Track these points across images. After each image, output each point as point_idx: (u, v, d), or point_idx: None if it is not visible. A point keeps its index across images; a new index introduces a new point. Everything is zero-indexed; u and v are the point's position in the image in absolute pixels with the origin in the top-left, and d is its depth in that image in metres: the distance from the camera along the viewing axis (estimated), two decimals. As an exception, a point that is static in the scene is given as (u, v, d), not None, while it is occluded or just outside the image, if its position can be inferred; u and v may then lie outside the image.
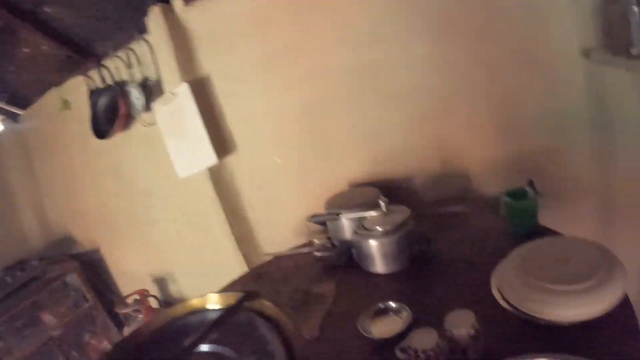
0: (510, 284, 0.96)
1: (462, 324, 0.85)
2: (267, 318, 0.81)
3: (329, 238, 1.53)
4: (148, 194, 2.22)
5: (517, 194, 1.27)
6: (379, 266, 1.30)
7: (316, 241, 1.55)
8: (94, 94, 2.07)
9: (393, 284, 1.25)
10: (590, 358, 0.73)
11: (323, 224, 1.53)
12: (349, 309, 1.17)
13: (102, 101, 2.07)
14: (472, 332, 0.84)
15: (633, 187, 1.36)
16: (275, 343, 0.75)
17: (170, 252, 2.34)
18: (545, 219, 1.25)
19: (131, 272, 2.57)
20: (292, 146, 1.81)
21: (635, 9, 1.12)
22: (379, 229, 1.29)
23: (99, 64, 2.00)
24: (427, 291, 1.17)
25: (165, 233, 2.28)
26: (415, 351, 0.83)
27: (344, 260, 1.40)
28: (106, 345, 2.49)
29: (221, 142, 1.87)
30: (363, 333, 1.03)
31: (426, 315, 1.03)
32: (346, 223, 1.45)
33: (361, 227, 1.33)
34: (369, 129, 1.66)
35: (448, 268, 1.24)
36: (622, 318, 0.83)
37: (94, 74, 2.04)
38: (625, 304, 0.84)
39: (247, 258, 1.95)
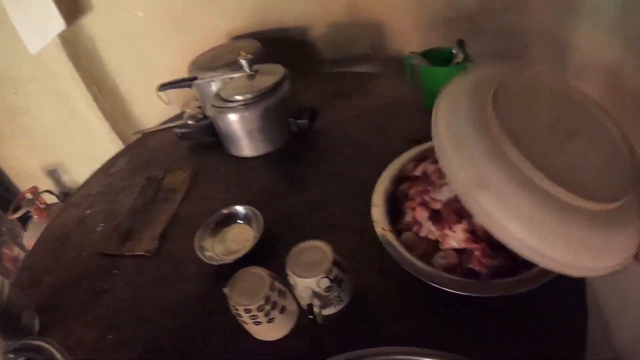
0: (472, 151, 0.46)
1: (310, 267, 0.54)
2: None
3: (200, 108, 1.16)
4: (11, 79, 1.76)
5: (438, 56, 0.92)
6: (243, 148, 0.97)
7: (188, 112, 1.18)
8: None
9: (259, 174, 0.93)
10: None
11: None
12: (199, 210, 0.87)
13: None
14: (324, 284, 0.53)
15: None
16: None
17: (54, 141, 1.98)
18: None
19: (24, 170, 2.23)
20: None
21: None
22: (239, 98, 0.91)
23: None
24: (297, 189, 0.86)
25: (45, 121, 1.89)
26: (235, 307, 0.54)
27: (209, 138, 1.04)
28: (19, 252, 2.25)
29: (71, 1, 1.40)
30: (198, 254, 0.74)
31: (288, 228, 0.75)
32: (213, 88, 1.06)
33: (218, 96, 0.96)
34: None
35: (335, 156, 0.91)
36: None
37: None
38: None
39: (123, 137, 1.59)
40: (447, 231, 0.57)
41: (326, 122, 0.99)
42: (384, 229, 0.60)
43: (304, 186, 0.85)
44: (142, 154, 1.18)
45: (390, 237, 0.58)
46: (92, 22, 1.48)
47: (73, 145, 1.92)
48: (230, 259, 0.70)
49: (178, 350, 0.63)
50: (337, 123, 0.99)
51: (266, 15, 1.27)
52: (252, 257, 0.69)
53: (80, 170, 2.07)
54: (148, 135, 1.28)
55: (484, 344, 0.52)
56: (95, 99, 1.56)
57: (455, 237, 0.56)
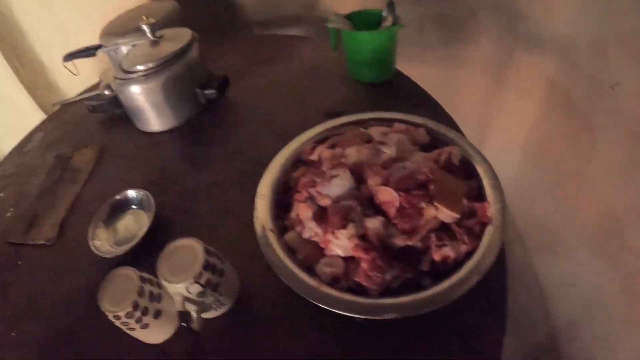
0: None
1: (181, 272, 0.48)
2: None
3: None
4: None
5: (366, 19, 0.84)
6: (149, 122, 0.90)
7: (103, 80, 1.09)
8: None
9: (162, 151, 0.86)
10: None
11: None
12: (101, 193, 0.80)
13: None
14: (196, 289, 0.49)
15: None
16: None
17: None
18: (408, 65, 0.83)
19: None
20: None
21: None
22: (140, 68, 0.83)
23: None
24: (196, 169, 0.80)
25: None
26: (106, 312, 0.49)
27: (120, 110, 0.96)
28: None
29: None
30: (90, 244, 0.68)
31: (176, 216, 0.69)
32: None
33: (120, 67, 0.87)
34: None
35: (242, 131, 0.85)
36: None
37: None
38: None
39: (45, 108, 1.47)
40: (330, 236, 0.50)
41: (241, 92, 0.92)
42: (264, 227, 0.53)
43: (202, 165, 0.79)
44: (57, 128, 1.09)
45: (271, 237, 0.52)
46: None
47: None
48: (121, 250, 0.65)
49: (71, 350, 0.59)
50: (252, 93, 0.92)
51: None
52: (144, 248, 0.64)
53: (3, 145, 1.92)
54: (66, 106, 1.18)
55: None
56: (16, 71, 1.41)
57: (339, 244, 0.50)
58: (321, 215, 0.52)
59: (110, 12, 1.13)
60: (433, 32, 1.10)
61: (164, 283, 0.48)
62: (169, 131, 0.89)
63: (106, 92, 1.02)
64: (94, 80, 1.19)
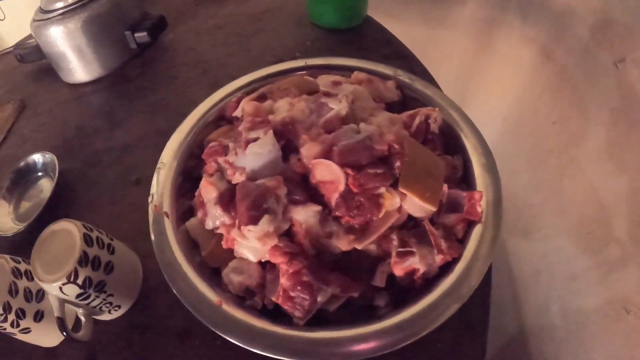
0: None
1: (57, 266, 0.38)
2: None
3: None
4: None
5: None
6: (73, 71, 0.77)
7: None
8: None
9: (81, 106, 0.74)
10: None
11: None
12: (15, 156, 0.67)
13: None
14: (71, 292, 0.38)
15: None
16: None
17: None
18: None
19: None
20: None
21: None
22: (59, 5, 0.69)
23: None
24: (110, 127, 0.67)
25: None
26: None
27: (47, 61, 0.82)
28: None
29: None
30: None
31: (80, 184, 0.58)
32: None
33: (40, 8, 0.72)
34: None
35: (172, 81, 0.72)
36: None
37: None
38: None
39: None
40: (234, 232, 0.35)
41: (178, 36, 0.79)
42: (156, 207, 0.40)
43: (118, 123, 0.67)
44: None
45: (166, 224, 0.39)
46: None
47: None
48: (19, 227, 0.54)
49: None
50: (192, 37, 0.79)
51: None
52: (46, 221, 0.54)
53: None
54: (3, 56, 1.03)
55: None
56: None
57: (247, 246, 0.36)
58: (230, 198, 0.37)
59: None
60: None
61: (37, 281, 0.37)
62: (94, 82, 0.76)
63: (16, 52, 0.88)
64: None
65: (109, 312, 0.42)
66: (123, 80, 0.74)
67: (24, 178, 0.61)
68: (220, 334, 0.33)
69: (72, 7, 0.70)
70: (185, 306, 0.35)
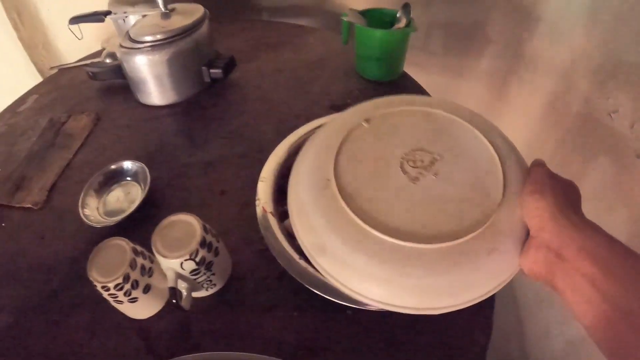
0: (311, 218, 0.42)
1: (176, 247, 0.47)
2: None
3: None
4: None
5: (380, 17, 0.84)
6: (150, 95, 0.88)
7: (107, 48, 1.07)
8: None
9: (161, 125, 0.85)
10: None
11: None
12: (95, 161, 0.79)
13: None
14: (190, 266, 0.48)
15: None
16: None
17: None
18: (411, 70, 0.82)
19: None
20: None
21: None
22: (148, 39, 0.81)
23: None
24: (193, 146, 0.78)
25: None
26: (94, 283, 0.48)
27: (121, 80, 0.95)
28: None
29: None
30: (79, 212, 0.66)
31: (170, 191, 0.68)
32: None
33: (127, 36, 0.85)
34: None
35: (242, 113, 0.84)
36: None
37: None
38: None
39: (42, 69, 1.43)
40: None
41: (244, 74, 0.92)
42: (264, 209, 0.52)
43: (200, 143, 0.78)
44: (52, 92, 1.06)
45: (271, 220, 0.51)
46: None
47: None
48: (111, 221, 0.64)
49: (47, 318, 0.57)
50: (256, 77, 0.92)
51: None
52: (135, 220, 0.63)
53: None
54: (64, 71, 1.16)
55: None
56: (15, 26, 1.37)
57: None
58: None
59: None
60: (439, 39, 1.10)
61: (158, 257, 0.47)
62: (169, 106, 0.88)
63: (107, 60, 1.00)
64: (93, 46, 1.16)
65: (206, 289, 0.52)
66: (197, 108, 0.86)
67: (112, 180, 0.71)
68: (317, 292, 0.44)
69: (159, 42, 0.82)
70: (269, 287, 0.48)
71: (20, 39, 1.42)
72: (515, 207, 0.38)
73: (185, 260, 0.46)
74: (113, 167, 0.71)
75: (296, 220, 0.43)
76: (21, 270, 0.64)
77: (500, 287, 0.38)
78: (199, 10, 0.86)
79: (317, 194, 0.42)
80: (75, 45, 1.35)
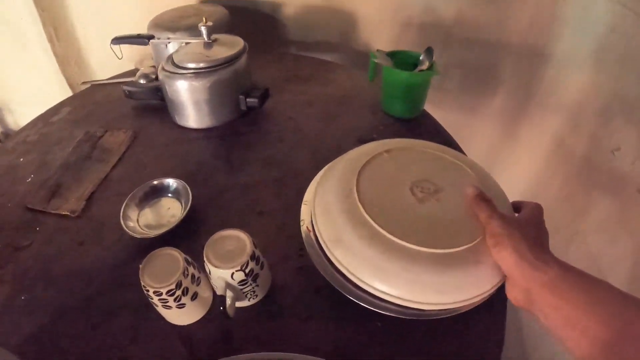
0: (327, 211, 0.54)
1: (227, 259, 0.52)
2: None
3: (154, 68, 1.11)
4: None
5: (404, 59, 0.91)
6: (188, 118, 0.94)
7: (141, 70, 1.13)
8: None
9: (198, 147, 0.90)
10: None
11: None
12: (131, 176, 0.84)
13: None
14: (239, 277, 0.52)
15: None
16: None
17: (1, 76, 1.81)
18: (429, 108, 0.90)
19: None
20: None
21: None
22: (191, 65, 0.87)
23: None
24: (231, 169, 0.83)
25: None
26: (146, 289, 0.52)
27: (156, 100, 1.00)
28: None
29: None
30: (121, 223, 0.70)
31: (209, 209, 0.73)
32: (171, 50, 1.01)
33: (170, 60, 0.91)
34: None
35: (276, 141, 0.89)
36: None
37: None
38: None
39: (72, 83, 1.49)
40: None
41: (277, 105, 0.97)
42: (308, 229, 0.57)
43: (238, 167, 0.83)
44: (86, 106, 1.12)
45: (314, 241, 0.55)
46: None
47: (20, 83, 1.79)
48: (152, 233, 0.68)
49: (88, 321, 0.60)
50: (288, 107, 0.98)
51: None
52: (175, 234, 0.67)
53: (24, 112, 1.93)
54: (96, 87, 1.22)
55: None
56: (50, 40, 1.45)
57: None
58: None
59: (154, 5, 1.18)
60: (455, 78, 1.18)
61: (210, 268, 0.51)
62: (206, 130, 0.93)
63: (142, 81, 1.06)
64: (124, 64, 1.22)
65: (249, 299, 0.56)
66: (233, 133, 0.91)
67: (153, 195, 0.75)
68: (359, 302, 0.49)
69: (201, 70, 0.88)
70: (307, 300, 0.56)
71: (55, 52, 1.49)
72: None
73: (236, 271, 0.51)
74: (155, 182, 0.75)
75: (319, 218, 0.53)
76: (58, 274, 0.67)
77: (485, 296, 0.48)
78: (239, 43, 0.92)
79: (342, 199, 0.53)
80: (107, 63, 1.41)
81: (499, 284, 0.48)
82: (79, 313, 0.61)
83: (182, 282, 0.52)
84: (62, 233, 0.74)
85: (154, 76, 1.07)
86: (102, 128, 0.99)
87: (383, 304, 0.49)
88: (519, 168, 1.07)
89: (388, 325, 0.54)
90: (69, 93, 1.52)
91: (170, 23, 1.06)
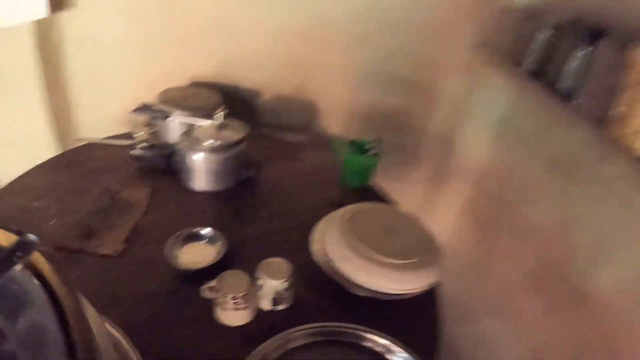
0: (334, 242, 0.93)
1: (277, 273, 0.82)
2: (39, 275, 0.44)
3: (152, 135, 1.32)
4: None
5: (360, 146, 1.26)
6: (200, 182, 1.21)
7: (136, 135, 1.33)
8: None
9: (210, 206, 1.16)
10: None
11: (154, 119, 1.33)
12: (161, 225, 1.05)
13: None
14: (285, 285, 0.83)
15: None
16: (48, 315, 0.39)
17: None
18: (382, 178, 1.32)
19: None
20: (138, 17, 1.47)
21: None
22: (210, 142, 1.17)
23: None
24: (243, 222, 1.12)
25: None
26: (225, 295, 0.77)
27: (164, 165, 1.25)
28: None
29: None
30: (171, 258, 0.90)
31: (241, 250, 0.99)
32: (175, 125, 1.27)
33: (189, 135, 1.19)
34: (227, 23, 1.45)
35: (273, 202, 1.21)
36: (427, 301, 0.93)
37: None
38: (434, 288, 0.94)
39: (61, 137, 1.60)
40: None
41: (266, 176, 1.27)
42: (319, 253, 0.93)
43: (248, 221, 1.12)
44: (92, 161, 1.26)
45: (323, 260, 0.91)
46: (69, 19, 1.46)
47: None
48: (196, 266, 0.89)
49: (158, 330, 0.78)
50: (274, 179, 1.28)
51: (227, 72, 1.52)
52: (210, 270, 0.85)
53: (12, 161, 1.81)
54: (91, 145, 1.34)
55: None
56: (48, 91, 1.48)
57: None
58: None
59: (149, 80, 1.39)
60: (390, 155, 1.56)
61: (266, 280, 0.81)
62: (212, 192, 1.19)
63: (143, 145, 1.28)
64: (112, 126, 1.41)
65: (283, 304, 0.86)
66: (236, 196, 1.19)
67: (189, 239, 0.99)
68: (359, 294, 0.87)
69: (217, 146, 1.16)
70: (320, 305, 0.90)
71: (50, 106, 1.50)
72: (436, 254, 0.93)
73: (284, 281, 0.81)
74: (193, 230, 0.99)
75: (327, 236, 0.95)
76: (121, 299, 0.83)
77: (427, 287, 0.89)
78: (245, 128, 1.24)
79: (342, 227, 0.93)
80: (92, 121, 1.55)
81: (433, 284, 0.89)
82: (148, 326, 0.78)
83: (250, 291, 0.80)
84: (108, 268, 0.90)
85: (150, 144, 1.27)
86: (117, 184, 1.18)
87: (369, 293, 0.87)
88: (441, 221, 1.54)
89: (368, 302, 0.88)
90: (53, 143, 1.57)
91: (178, 101, 1.27)
